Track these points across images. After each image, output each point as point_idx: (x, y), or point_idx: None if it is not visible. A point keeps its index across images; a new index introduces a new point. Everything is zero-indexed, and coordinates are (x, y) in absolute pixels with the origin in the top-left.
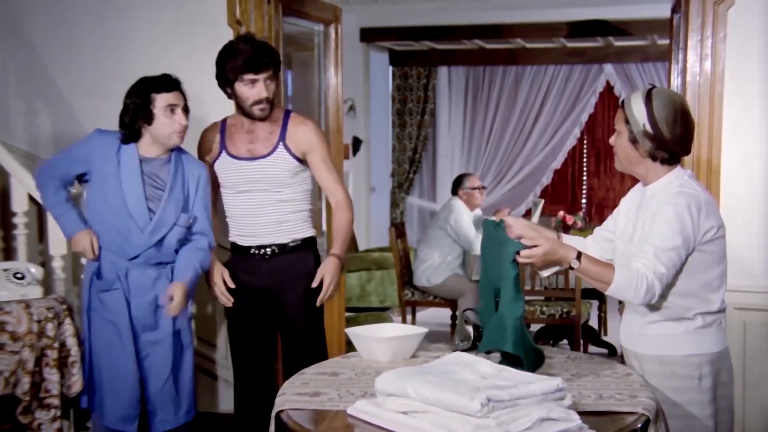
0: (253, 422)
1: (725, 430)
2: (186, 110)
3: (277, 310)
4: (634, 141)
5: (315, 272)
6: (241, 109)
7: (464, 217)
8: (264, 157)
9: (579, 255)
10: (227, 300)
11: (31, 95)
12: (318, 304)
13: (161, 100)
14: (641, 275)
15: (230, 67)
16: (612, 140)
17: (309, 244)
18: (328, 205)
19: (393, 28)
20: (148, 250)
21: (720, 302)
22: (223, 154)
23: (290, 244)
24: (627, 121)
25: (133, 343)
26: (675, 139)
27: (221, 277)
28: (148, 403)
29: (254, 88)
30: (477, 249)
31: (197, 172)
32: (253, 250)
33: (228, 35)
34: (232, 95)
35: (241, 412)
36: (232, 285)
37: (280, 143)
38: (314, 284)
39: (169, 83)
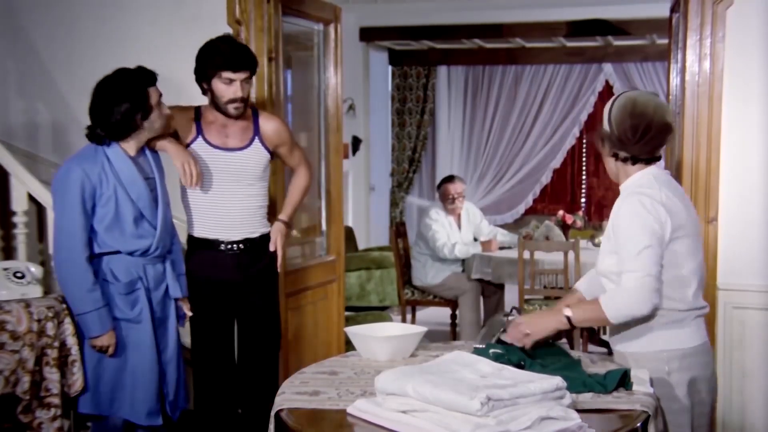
0: (215, 417)
1: (702, 423)
2: None
3: (239, 299)
4: (601, 141)
5: (275, 263)
6: (216, 106)
7: (432, 225)
8: (240, 149)
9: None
10: (195, 177)
11: (31, 95)
12: (279, 269)
13: (154, 94)
14: (627, 290)
15: (210, 63)
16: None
17: (268, 238)
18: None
19: (392, 27)
20: (162, 240)
21: (693, 300)
22: (200, 138)
23: (257, 239)
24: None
25: (155, 338)
26: (621, 136)
27: (191, 160)
28: (167, 393)
29: (231, 87)
30: (444, 254)
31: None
32: (222, 245)
33: None
34: (207, 91)
35: (203, 408)
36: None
37: (256, 137)
38: (271, 248)
39: (153, 75)
